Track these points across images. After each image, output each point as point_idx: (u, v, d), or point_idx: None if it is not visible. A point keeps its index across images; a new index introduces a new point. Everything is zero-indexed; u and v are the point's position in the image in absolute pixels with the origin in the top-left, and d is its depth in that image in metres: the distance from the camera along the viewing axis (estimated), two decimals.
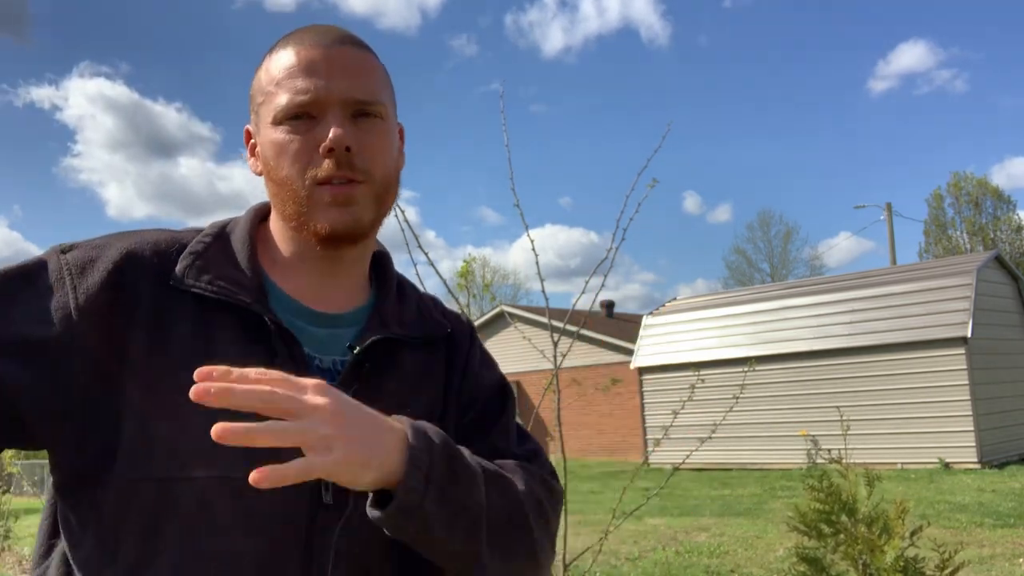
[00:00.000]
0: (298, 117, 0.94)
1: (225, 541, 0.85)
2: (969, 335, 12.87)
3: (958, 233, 39.34)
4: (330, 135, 0.92)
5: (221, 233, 1.00)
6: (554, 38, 62.94)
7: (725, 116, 62.40)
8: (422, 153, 65.95)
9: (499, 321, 20.27)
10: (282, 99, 0.94)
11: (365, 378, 0.97)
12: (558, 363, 3.30)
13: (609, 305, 24.57)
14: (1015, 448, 13.86)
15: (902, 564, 2.56)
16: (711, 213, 65.03)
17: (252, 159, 1.02)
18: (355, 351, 0.97)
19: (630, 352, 18.33)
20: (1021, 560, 6.69)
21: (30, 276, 0.89)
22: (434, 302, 1.16)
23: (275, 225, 1.03)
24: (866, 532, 2.63)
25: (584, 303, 3.40)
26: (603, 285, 3.38)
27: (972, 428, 12.86)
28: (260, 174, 1.00)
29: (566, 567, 3.32)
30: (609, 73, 63.96)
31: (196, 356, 0.87)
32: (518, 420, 1.18)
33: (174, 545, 0.84)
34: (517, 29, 62.80)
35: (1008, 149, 60.52)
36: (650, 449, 3.81)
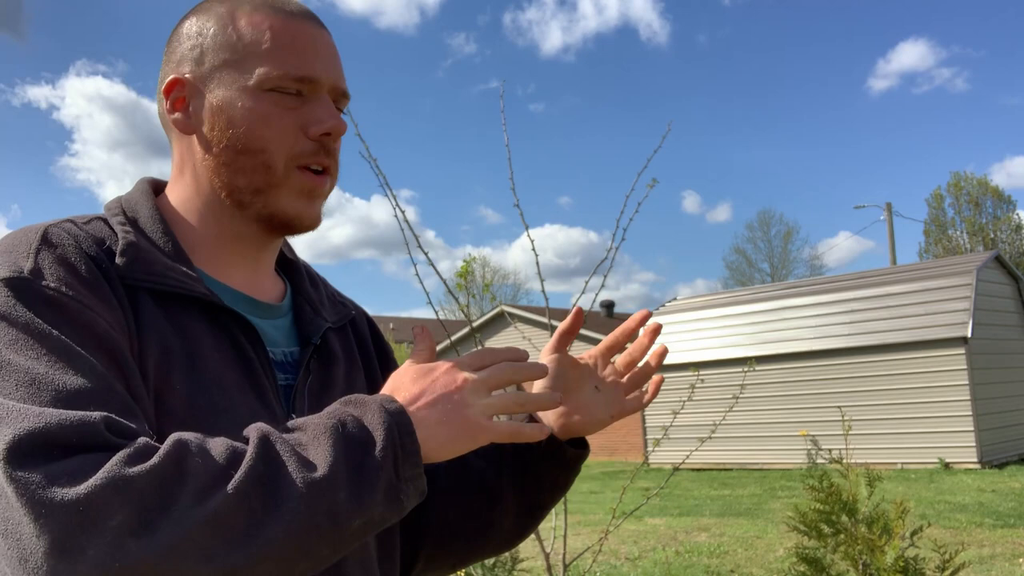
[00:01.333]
0: (290, 91, 0.89)
1: None
2: (969, 335, 12.86)
3: (958, 233, 39.35)
4: (332, 120, 0.89)
5: (131, 220, 0.89)
6: (553, 37, 63.04)
7: (724, 115, 62.50)
8: (421, 152, 65.89)
9: (499, 321, 20.27)
10: (277, 66, 0.88)
11: (316, 369, 0.95)
12: None
13: (609, 305, 24.57)
14: (1015, 448, 13.86)
15: (902, 564, 2.55)
16: (710, 212, 65.19)
17: (180, 114, 0.91)
18: (310, 343, 0.95)
19: None
20: (1021, 560, 6.69)
21: (58, 307, 0.76)
22: (327, 284, 1.11)
23: (192, 203, 0.93)
24: (866, 532, 2.63)
25: (584, 303, 3.40)
26: (603, 285, 3.37)
27: (972, 428, 12.86)
28: (190, 133, 0.91)
29: (566, 567, 3.32)
30: (608, 72, 64.05)
31: (176, 354, 0.82)
32: None
33: None
34: (516, 28, 62.83)
35: (1008, 148, 60.53)
36: (650, 449, 3.81)
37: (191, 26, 0.93)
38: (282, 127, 0.88)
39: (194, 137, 0.91)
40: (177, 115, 0.91)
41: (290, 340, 0.96)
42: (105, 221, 0.88)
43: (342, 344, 1.02)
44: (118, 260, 0.83)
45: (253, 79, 0.88)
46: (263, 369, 0.88)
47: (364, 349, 1.07)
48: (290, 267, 1.05)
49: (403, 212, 3.08)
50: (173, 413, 0.79)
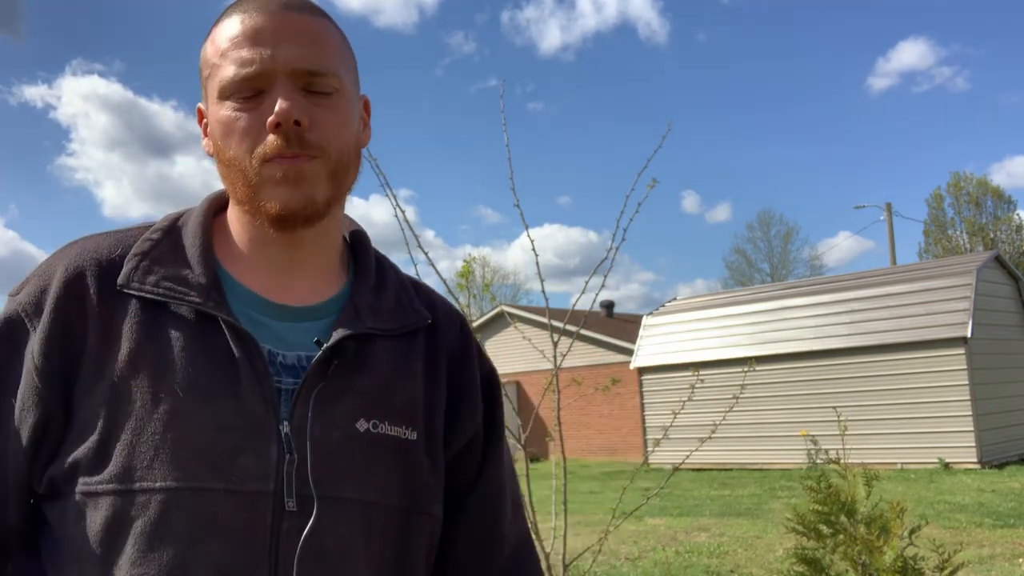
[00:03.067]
0: (245, 91, 0.88)
1: (185, 551, 0.81)
2: (969, 335, 12.86)
3: (958, 233, 39.35)
4: (276, 108, 0.86)
5: (172, 228, 0.96)
6: (551, 35, 62.70)
7: (723, 114, 62.36)
8: (420, 151, 65.81)
9: (499, 321, 20.27)
10: (227, 72, 0.88)
11: (333, 375, 0.91)
12: (558, 363, 3.30)
13: (609, 305, 24.56)
14: (1015, 448, 13.86)
15: (901, 564, 2.56)
16: (710, 212, 65.10)
17: (205, 139, 0.96)
18: (322, 347, 0.91)
19: (630, 352, 18.33)
20: (1021, 560, 6.69)
21: (5, 337, 0.89)
22: (417, 288, 1.08)
23: (232, 213, 0.98)
24: (865, 532, 2.63)
25: (584, 303, 3.41)
26: (603, 285, 3.38)
27: (972, 428, 12.86)
28: (212, 155, 0.94)
29: (566, 567, 3.32)
30: (606, 71, 63.78)
31: (146, 362, 0.85)
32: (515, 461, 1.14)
33: (133, 556, 0.81)
34: (514, 26, 62.65)
35: (1009, 147, 60.34)
36: (650, 449, 3.82)
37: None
38: (243, 131, 0.88)
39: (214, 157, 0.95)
40: (203, 140, 0.96)
41: (312, 344, 0.93)
42: (147, 228, 0.96)
43: (397, 352, 0.97)
44: (122, 272, 0.90)
45: (216, 91, 0.90)
46: (253, 373, 0.87)
47: (434, 362, 1.01)
48: (364, 266, 1.03)
49: (403, 212, 3.08)
50: (131, 416, 0.84)
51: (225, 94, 0.89)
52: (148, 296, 0.88)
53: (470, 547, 1.03)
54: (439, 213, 67.46)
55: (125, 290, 0.88)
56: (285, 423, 0.87)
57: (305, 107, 0.88)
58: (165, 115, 62.67)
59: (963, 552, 3.13)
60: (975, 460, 12.83)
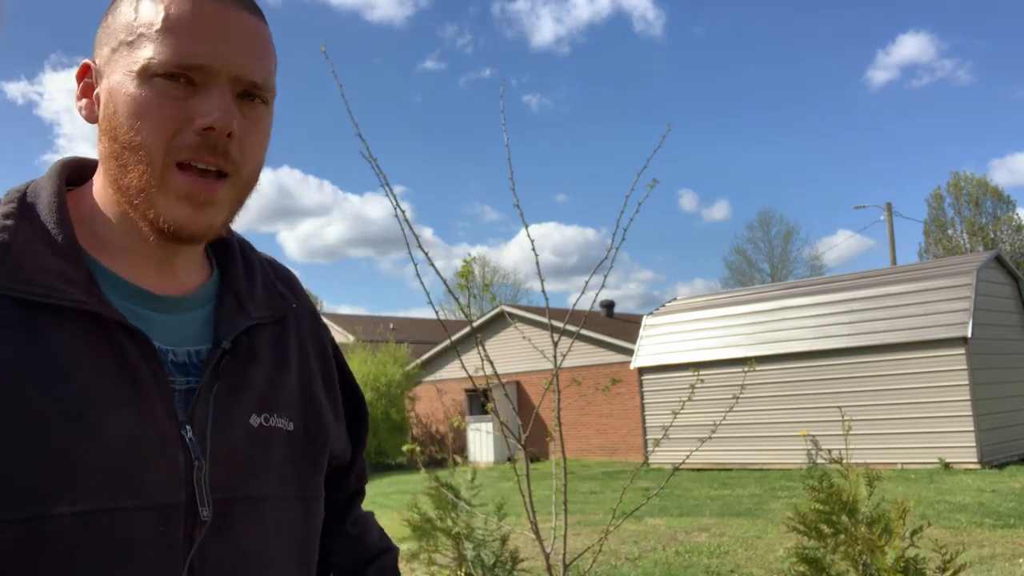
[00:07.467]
0: (175, 78, 0.79)
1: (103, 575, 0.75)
2: (969, 335, 12.86)
3: (958, 233, 39.37)
4: (215, 113, 0.79)
5: (23, 208, 0.83)
6: (544, 27, 61.89)
7: (720, 109, 62.00)
8: (413, 147, 65.47)
9: (499, 321, 20.26)
10: (162, 51, 0.79)
11: (227, 371, 0.86)
12: (558, 363, 3.29)
13: (609, 305, 24.57)
14: (1015, 448, 13.86)
15: (903, 564, 2.55)
16: (707, 211, 64.98)
17: (85, 100, 0.86)
18: (219, 344, 0.86)
19: (630, 352, 18.33)
20: (1021, 560, 6.69)
21: None
22: (273, 267, 1.03)
23: (103, 192, 0.87)
24: (866, 532, 2.63)
25: (584, 303, 3.40)
26: (603, 285, 3.37)
27: (972, 428, 12.86)
28: (93, 122, 0.85)
29: (566, 567, 3.31)
30: (601, 64, 63.31)
31: (32, 371, 0.75)
32: None
33: None
34: (505, 19, 62.23)
35: (1011, 144, 59.93)
36: (650, 449, 3.81)
37: (113, 7, 0.86)
38: (161, 118, 0.79)
39: (98, 126, 0.84)
40: (83, 101, 0.86)
41: (201, 337, 0.88)
42: None
43: (273, 340, 0.93)
44: None
45: (138, 63, 0.80)
46: (151, 376, 0.80)
47: (301, 347, 0.98)
48: (223, 247, 0.97)
49: (403, 212, 3.07)
50: (24, 433, 0.73)
51: (151, 72, 0.79)
52: (25, 297, 0.77)
53: (333, 522, 1.10)
54: (435, 210, 67.25)
55: None
56: (187, 428, 0.81)
57: (238, 119, 0.82)
58: None
59: (964, 552, 3.12)
60: (975, 460, 12.83)
